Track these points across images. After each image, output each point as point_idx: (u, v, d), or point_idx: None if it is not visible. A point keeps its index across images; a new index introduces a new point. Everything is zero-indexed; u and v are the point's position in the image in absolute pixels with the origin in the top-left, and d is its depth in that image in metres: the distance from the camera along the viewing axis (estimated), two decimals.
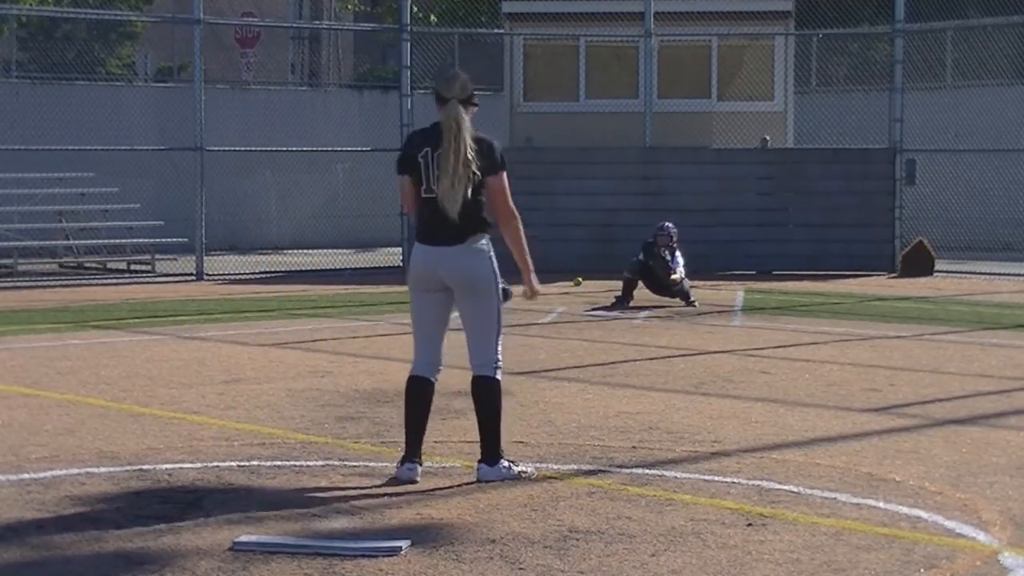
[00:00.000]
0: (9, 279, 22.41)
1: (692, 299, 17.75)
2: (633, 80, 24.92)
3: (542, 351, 13.33)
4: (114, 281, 22.94)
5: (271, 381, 11.38)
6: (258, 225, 30.10)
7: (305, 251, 26.40)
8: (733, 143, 24.57)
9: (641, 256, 17.84)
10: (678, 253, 17.96)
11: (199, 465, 8.02)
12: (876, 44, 32.39)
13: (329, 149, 28.46)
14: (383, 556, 6.10)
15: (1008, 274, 23.06)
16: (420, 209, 7.70)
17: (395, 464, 7.73)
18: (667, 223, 18.18)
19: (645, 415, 9.75)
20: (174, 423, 9.42)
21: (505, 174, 7.71)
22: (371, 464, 8.04)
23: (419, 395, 7.71)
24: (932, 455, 8.40)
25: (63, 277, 23.55)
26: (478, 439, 7.64)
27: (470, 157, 7.57)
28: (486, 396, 7.64)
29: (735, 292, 20.13)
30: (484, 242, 7.69)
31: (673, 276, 17.74)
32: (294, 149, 27.03)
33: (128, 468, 7.92)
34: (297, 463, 8.09)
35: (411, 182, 7.70)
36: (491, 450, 7.62)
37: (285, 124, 28.87)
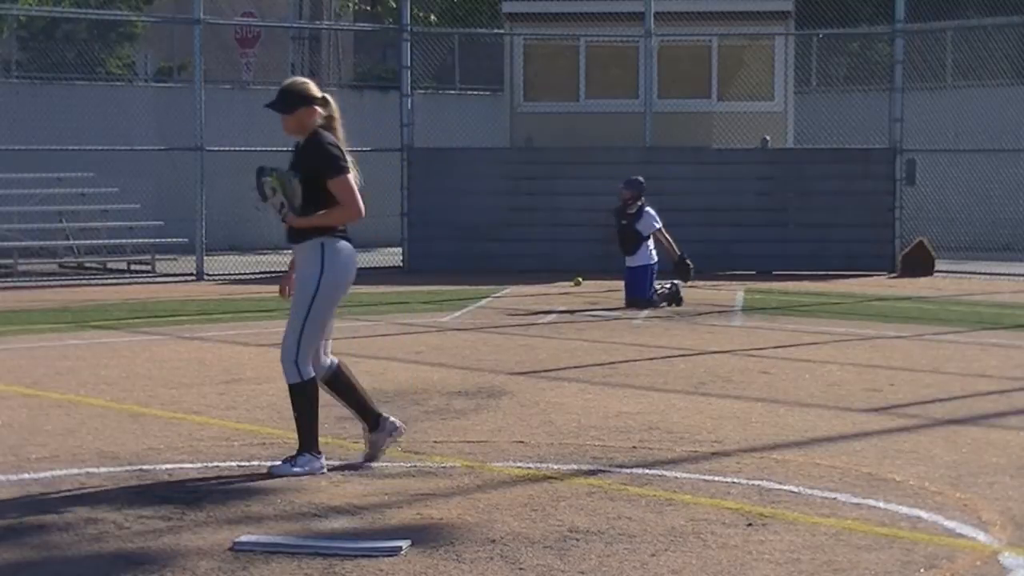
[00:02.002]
0: (9, 279, 22.41)
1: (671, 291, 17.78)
2: (633, 80, 24.93)
3: (542, 351, 13.33)
4: (114, 281, 22.95)
5: (271, 381, 11.37)
6: (258, 225, 30.05)
7: None
8: (733, 143, 24.57)
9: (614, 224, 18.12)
10: (648, 209, 17.92)
11: (199, 465, 8.03)
12: (876, 44, 32.39)
13: None
14: (383, 556, 6.10)
15: (1008, 274, 23.06)
16: None
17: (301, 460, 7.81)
18: (634, 176, 18.20)
19: (645, 415, 9.75)
20: (174, 423, 9.43)
21: None
22: (371, 464, 8.04)
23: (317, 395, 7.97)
24: (932, 455, 8.40)
25: (63, 277, 23.56)
26: (478, 439, 7.63)
27: None
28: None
29: (735, 292, 20.13)
30: None
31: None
32: (294, 149, 26.98)
33: (128, 468, 7.92)
34: None
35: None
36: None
37: None
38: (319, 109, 7.91)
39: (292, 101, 7.93)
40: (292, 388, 7.89)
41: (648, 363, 12.73)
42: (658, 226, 17.85)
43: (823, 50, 31.77)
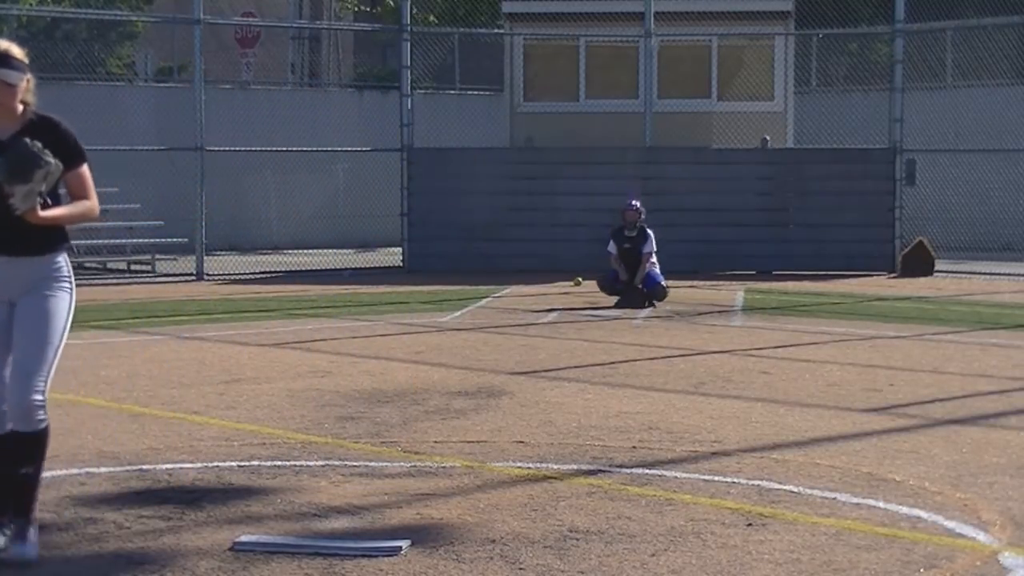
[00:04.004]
0: None
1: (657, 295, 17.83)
2: (633, 80, 24.92)
3: (542, 351, 13.33)
4: (114, 281, 22.94)
5: (271, 381, 11.37)
6: (258, 225, 30.10)
7: (305, 251, 26.40)
8: (733, 143, 24.57)
9: (612, 248, 18.13)
10: (651, 233, 18.11)
11: (199, 465, 8.02)
12: (876, 44, 32.40)
13: (329, 149, 28.46)
14: (383, 556, 6.10)
15: (1008, 274, 23.06)
16: None
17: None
18: (634, 200, 18.32)
19: (645, 415, 9.75)
20: (174, 423, 9.42)
21: None
22: (371, 464, 8.04)
23: None
24: (932, 455, 8.39)
25: None
26: (478, 439, 7.62)
27: None
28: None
29: (735, 292, 20.13)
30: None
31: (648, 267, 17.87)
32: (294, 149, 27.03)
33: (128, 468, 7.91)
34: (297, 463, 8.09)
35: None
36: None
37: (285, 124, 28.87)
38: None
39: (23, 67, 6.20)
40: (35, 436, 6.06)
41: (648, 363, 12.72)
42: (655, 248, 18.09)
43: (823, 50, 31.76)
